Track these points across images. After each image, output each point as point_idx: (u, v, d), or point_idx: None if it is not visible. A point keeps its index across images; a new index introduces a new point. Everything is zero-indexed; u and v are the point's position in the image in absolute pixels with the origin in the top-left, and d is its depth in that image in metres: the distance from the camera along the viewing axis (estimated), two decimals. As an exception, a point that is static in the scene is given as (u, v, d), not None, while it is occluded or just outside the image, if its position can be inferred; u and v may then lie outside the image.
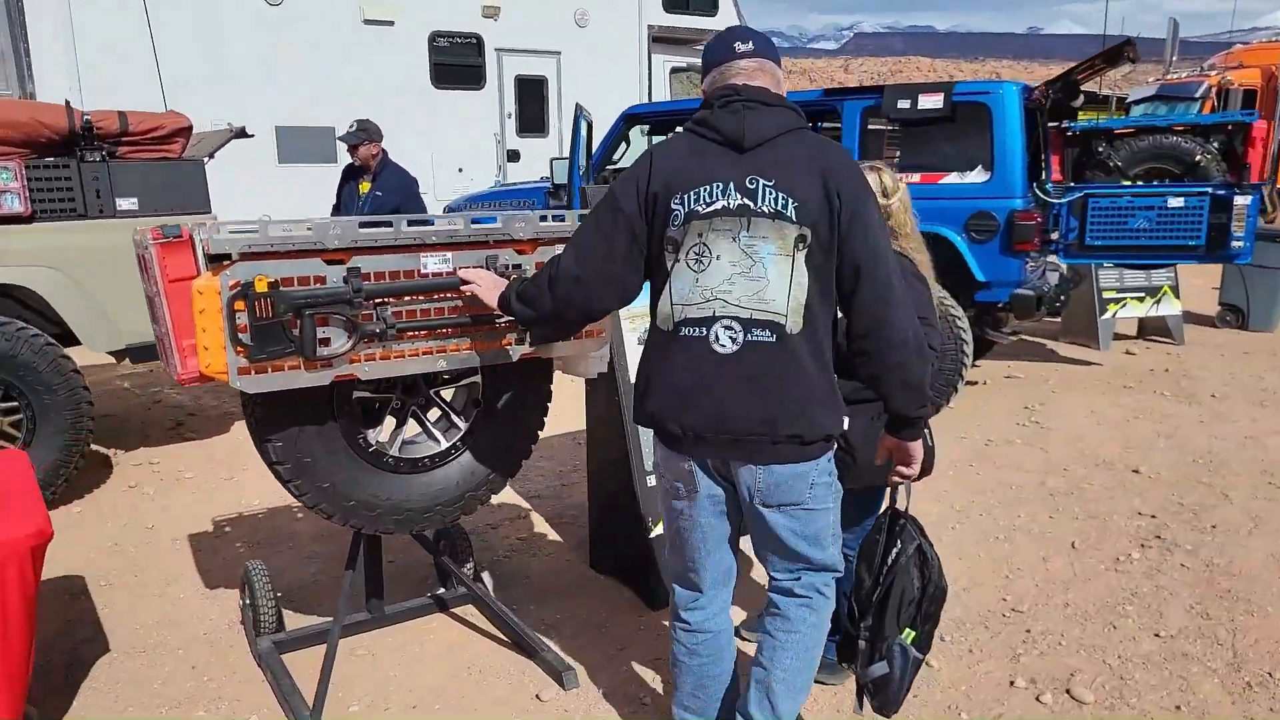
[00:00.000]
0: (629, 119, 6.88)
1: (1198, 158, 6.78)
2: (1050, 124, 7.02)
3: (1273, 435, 5.87)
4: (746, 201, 2.20)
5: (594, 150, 6.97)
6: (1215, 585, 3.89)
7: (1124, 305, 8.55)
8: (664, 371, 2.33)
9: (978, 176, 5.82)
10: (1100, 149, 7.01)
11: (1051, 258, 7.10)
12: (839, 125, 6.15)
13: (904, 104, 5.85)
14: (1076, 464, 5.40)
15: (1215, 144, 6.80)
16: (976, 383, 7.27)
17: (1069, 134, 7.09)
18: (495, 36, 10.48)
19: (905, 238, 2.93)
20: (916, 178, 6.01)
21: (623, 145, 6.97)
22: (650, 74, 11.66)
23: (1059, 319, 7.21)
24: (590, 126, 6.67)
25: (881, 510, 2.75)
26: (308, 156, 9.44)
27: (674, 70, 12.04)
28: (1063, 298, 6.86)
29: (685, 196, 2.24)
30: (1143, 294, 8.60)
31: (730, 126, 2.24)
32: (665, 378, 2.33)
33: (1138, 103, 18.00)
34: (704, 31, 12.27)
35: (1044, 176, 7.01)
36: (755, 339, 2.23)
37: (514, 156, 10.40)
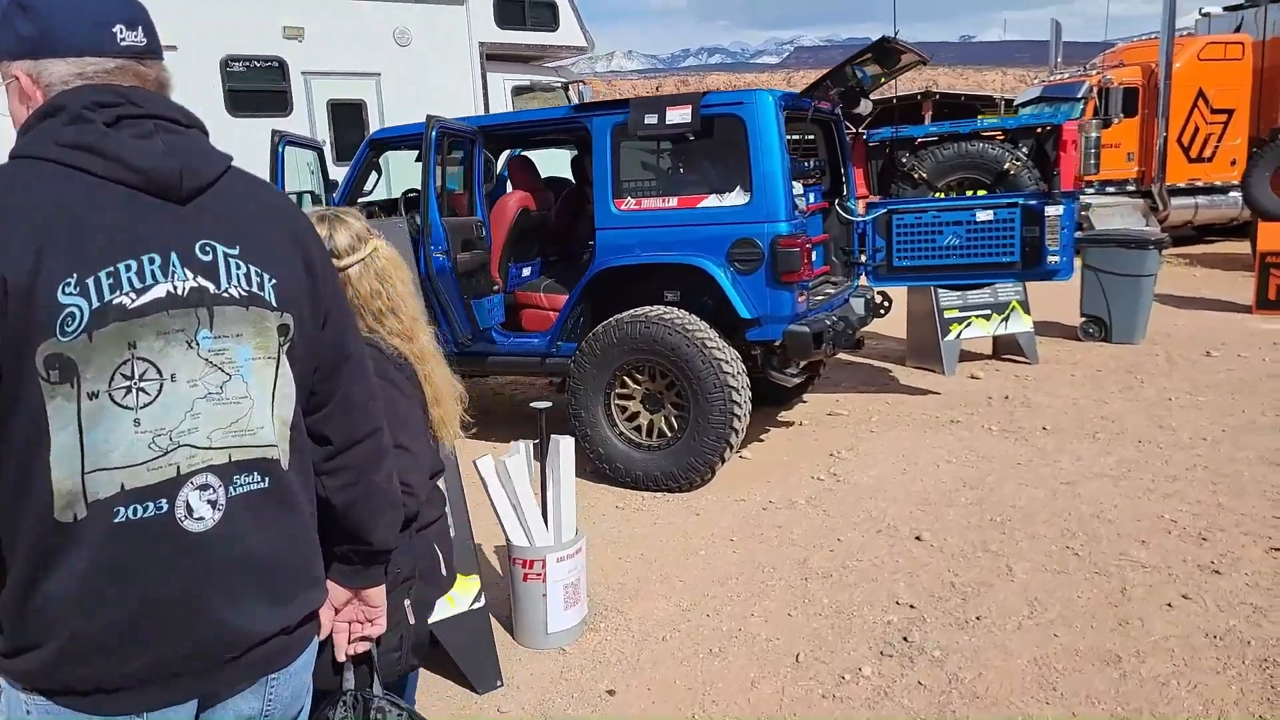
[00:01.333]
0: (375, 144, 6.05)
1: (1006, 165, 6.12)
2: (852, 133, 6.33)
3: (1092, 479, 5.17)
4: (205, 283, 1.38)
5: (339, 182, 6.13)
6: (948, 717, 3.13)
7: (968, 325, 7.88)
8: (85, 599, 1.32)
9: (737, 199, 5.08)
10: (904, 160, 6.33)
11: (861, 281, 6.40)
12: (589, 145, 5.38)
13: (651, 119, 5.09)
14: (855, 531, 4.64)
15: (1024, 149, 6.15)
16: (791, 424, 6.53)
17: (870, 145, 6.40)
18: (301, 59, 9.62)
19: (381, 317, 2.08)
20: (674, 202, 5.26)
21: (373, 175, 6.13)
22: (486, 93, 10.86)
23: (856, 351, 6.46)
24: (322, 154, 5.83)
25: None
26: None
27: (517, 89, 11.26)
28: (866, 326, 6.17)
29: (89, 282, 1.29)
30: (988, 311, 7.94)
31: (152, 160, 1.36)
32: (89, 608, 1.33)
33: (1024, 105, 17.66)
34: (544, 48, 11.52)
35: (845, 192, 6.31)
36: (243, 490, 1.41)
37: (334, 187, 9.43)
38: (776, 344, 5.17)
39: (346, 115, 9.84)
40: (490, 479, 3.53)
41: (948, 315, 7.78)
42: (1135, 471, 5.27)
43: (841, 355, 8.48)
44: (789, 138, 6.54)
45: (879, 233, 6.20)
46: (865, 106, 5.91)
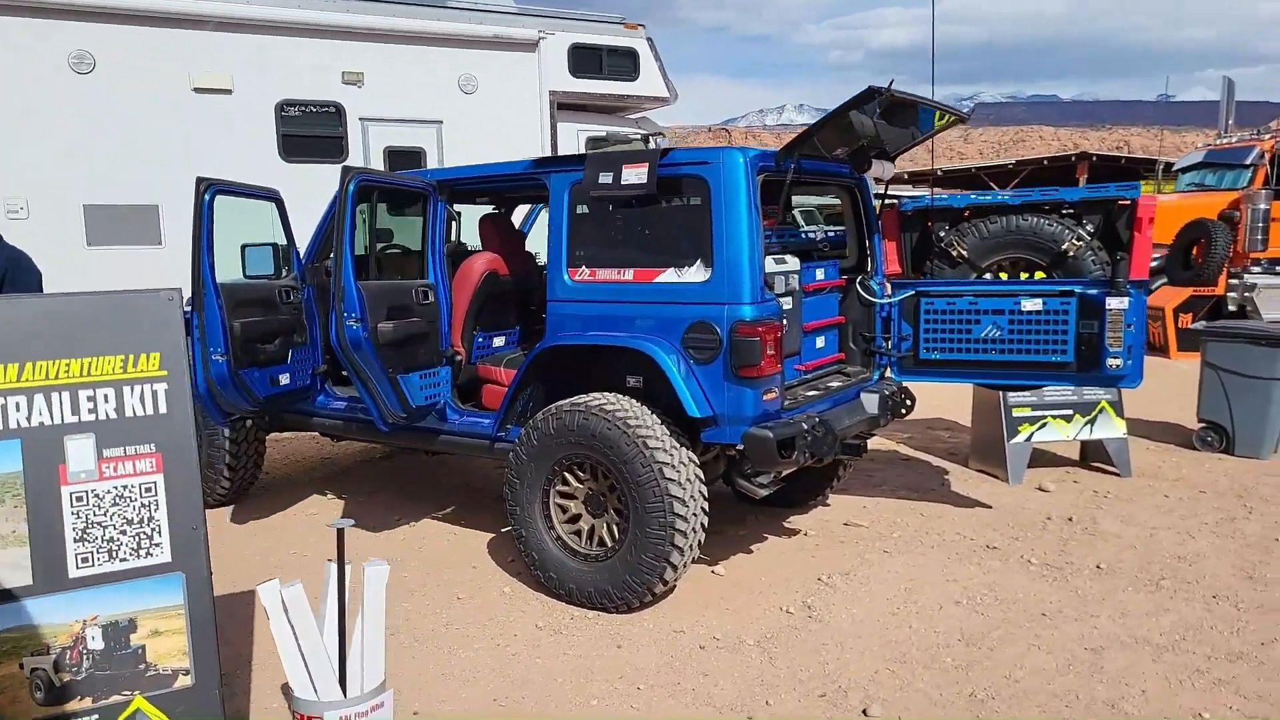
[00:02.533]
0: (364, 189, 5.49)
1: (1064, 245, 5.06)
2: (883, 200, 5.44)
3: (1128, 647, 4.05)
4: None
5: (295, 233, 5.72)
6: None
7: (1042, 426, 6.72)
8: None
9: (696, 275, 4.31)
10: (942, 234, 5.36)
11: (887, 373, 5.45)
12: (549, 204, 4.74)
13: (606, 179, 4.41)
14: (793, 693, 3.73)
15: (1089, 227, 5.07)
16: (796, 532, 5.61)
17: (905, 214, 5.48)
18: (359, 105, 9.50)
19: None
20: (630, 275, 4.54)
21: (362, 223, 5.67)
22: (555, 143, 10.47)
23: (857, 457, 5.41)
24: (281, 204, 5.44)
25: None
26: (123, 238, 8.57)
27: (591, 140, 10.81)
28: (876, 429, 5.23)
29: None
30: (1070, 411, 6.76)
31: None
32: None
33: (1185, 170, 15.88)
34: (623, 97, 11.05)
35: (869, 269, 5.40)
36: None
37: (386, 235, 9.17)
38: (737, 449, 4.34)
39: (404, 163, 9.63)
40: (273, 609, 2.90)
41: (1017, 414, 6.66)
42: (1190, 641, 4.11)
43: (899, 448, 7.49)
44: (802, 203, 5.74)
45: (905, 318, 5.26)
46: (882, 170, 5.02)
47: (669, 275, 4.40)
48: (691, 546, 4.32)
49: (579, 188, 4.59)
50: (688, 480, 4.27)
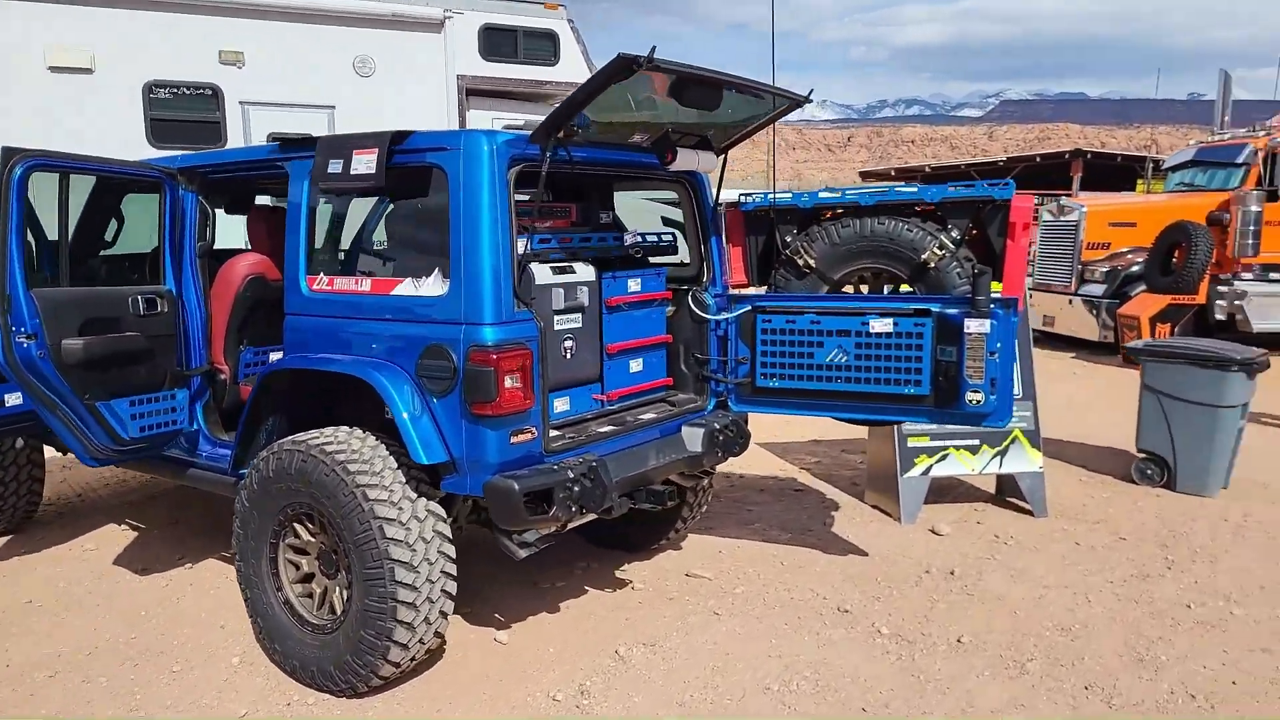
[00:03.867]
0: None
1: (924, 255, 4.21)
2: (723, 202, 4.60)
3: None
4: None
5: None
6: None
7: (943, 458, 5.87)
8: None
9: (434, 287, 3.52)
10: (789, 239, 4.52)
11: (719, 406, 4.62)
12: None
13: (335, 167, 3.63)
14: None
15: (954, 233, 4.22)
16: (622, 585, 4.80)
17: (749, 215, 4.64)
18: (239, 87, 8.75)
19: None
20: (367, 286, 3.74)
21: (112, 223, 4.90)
22: (465, 132, 9.68)
23: (659, 508, 4.40)
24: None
25: None
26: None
27: (507, 128, 10.02)
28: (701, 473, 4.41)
29: None
30: (975, 442, 5.91)
31: None
32: None
33: (1174, 169, 14.88)
34: (542, 83, 10.23)
35: (706, 278, 4.57)
36: None
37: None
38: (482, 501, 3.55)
39: (292, 151, 8.84)
40: None
41: (912, 444, 5.82)
42: (1030, 760, 3.28)
43: (798, 476, 6.67)
44: (657, 197, 4.94)
45: (743, 338, 4.44)
46: (694, 161, 4.16)
47: (406, 287, 3.60)
48: (426, 621, 3.52)
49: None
50: (419, 541, 3.47)
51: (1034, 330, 13.45)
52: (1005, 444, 5.95)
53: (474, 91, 9.78)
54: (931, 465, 5.84)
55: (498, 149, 3.45)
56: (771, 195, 4.45)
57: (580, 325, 3.95)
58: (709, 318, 4.46)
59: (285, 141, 3.98)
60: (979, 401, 3.98)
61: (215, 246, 4.63)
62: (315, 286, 3.85)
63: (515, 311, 3.48)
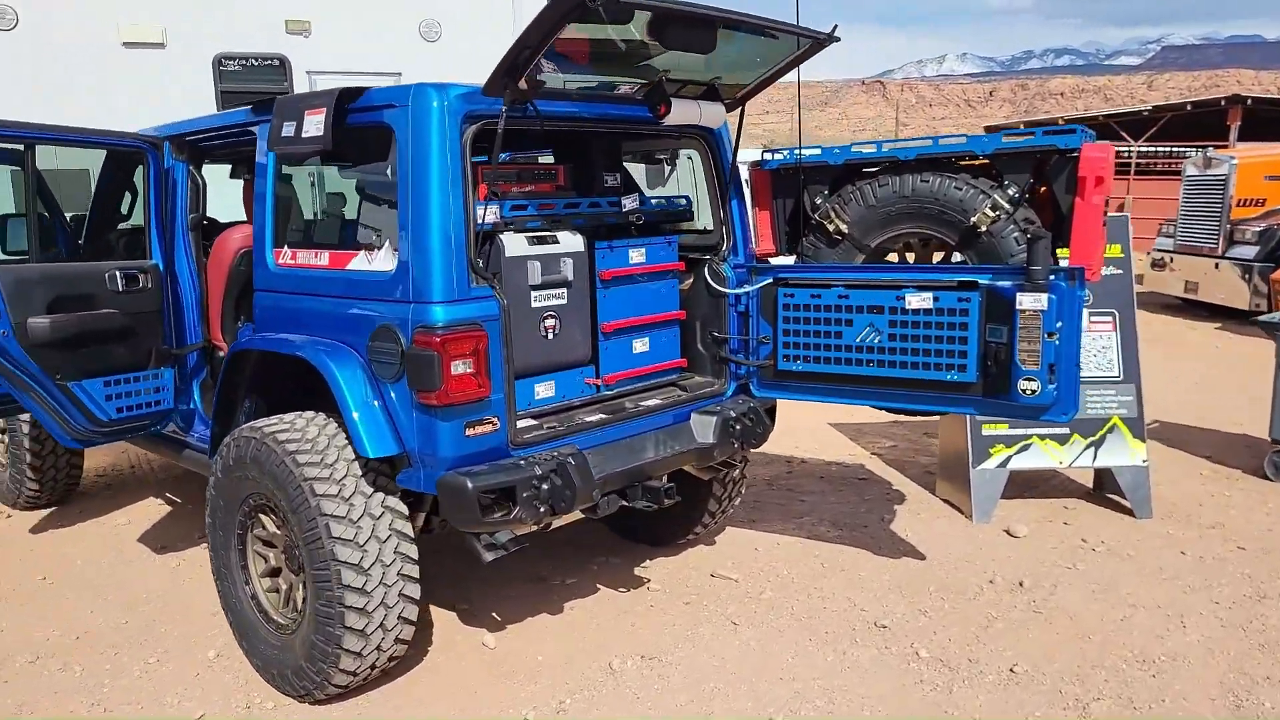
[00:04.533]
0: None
1: (974, 218, 3.55)
2: (744, 160, 4.06)
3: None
4: None
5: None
6: None
7: (1024, 449, 5.18)
8: None
9: (384, 261, 3.14)
10: (818, 202, 3.94)
11: (739, 392, 4.10)
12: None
13: (289, 130, 3.29)
14: None
15: (1012, 190, 3.54)
16: (643, 584, 4.38)
17: (776, 174, 4.07)
18: (306, 57, 8.63)
19: None
20: (325, 260, 3.41)
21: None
22: (537, 97, 9.32)
23: (656, 506, 3.76)
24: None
25: None
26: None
27: (582, 91, 9.60)
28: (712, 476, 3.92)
29: None
30: (1064, 430, 5.18)
31: None
32: None
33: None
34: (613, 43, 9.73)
35: (726, 247, 4.05)
36: None
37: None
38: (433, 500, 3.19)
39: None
40: None
41: (987, 430, 5.15)
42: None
43: (868, 462, 6.08)
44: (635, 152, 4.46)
45: (765, 315, 3.91)
46: (695, 114, 3.60)
47: (359, 261, 3.26)
48: (382, 628, 3.20)
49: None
50: (371, 541, 3.15)
51: (1176, 298, 12.20)
52: (1101, 433, 5.19)
53: (549, 55, 9.36)
54: (1010, 456, 5.15)
55: (450, 104, 3.03)
56: (798, 151, 3.88)
57: (565, 301, 3.52)
58: (727, 292, 3.95)
59: (255, 104, 3.69)
60: (1034, 391, 3.34)
61: (213, 218, 4.42)
62: (280, 260, 3.56)
63: (472, 288, 3.08)
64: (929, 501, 5.44)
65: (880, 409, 3.84)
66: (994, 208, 3.52)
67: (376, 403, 3.15)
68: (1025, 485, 5.57)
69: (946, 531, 4.97)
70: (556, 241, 3.48)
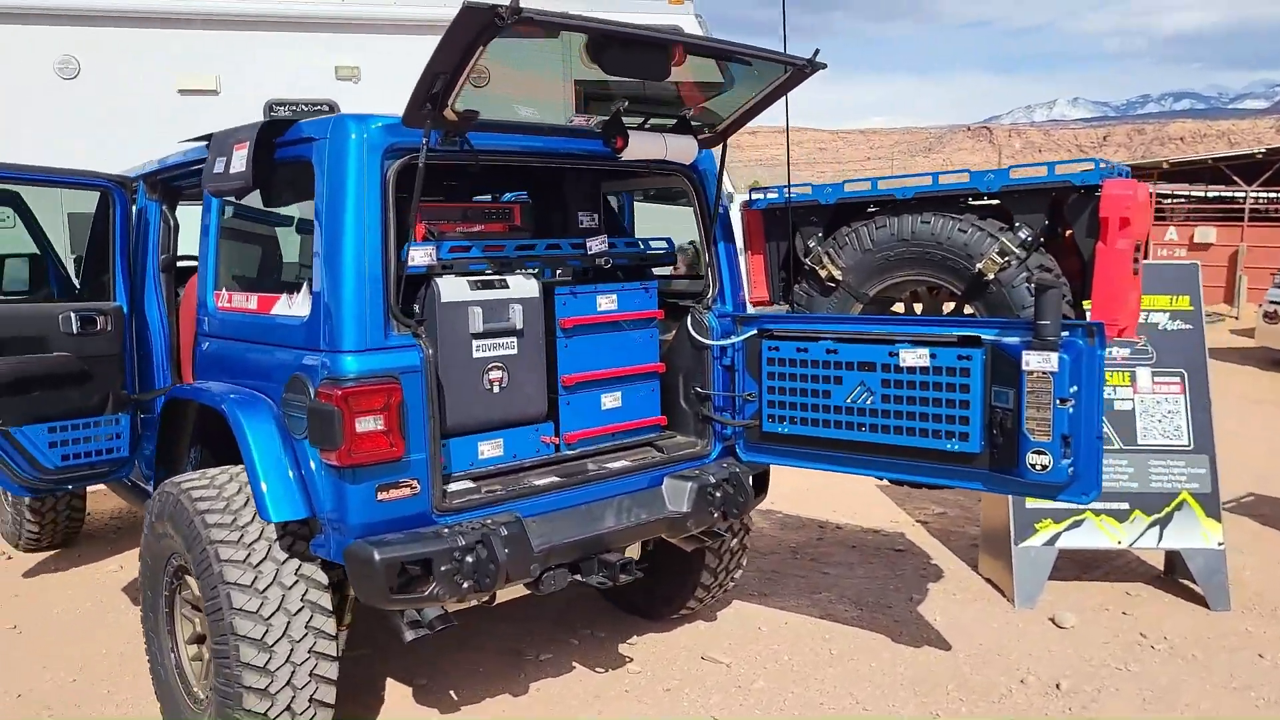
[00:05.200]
0: None
1: (980, 264, 3.09)
2: (710, 202, 3.67)
3: None
4: None
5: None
6: None
7: (1076, 525, 4.57)
8: None
9: (301, 306, 2.87)
10: (812, 244, 3.52)
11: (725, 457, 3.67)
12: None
13: (219, 167, 3.08)
14: None
15: (1024, 233, 3.06)
16: (624, 663, 3.96)
17: (771, 214, 3.67)
18: (355, 101, 8.67)
19: None
20: (254, 304, 3.17)
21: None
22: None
23: (613, 583, 3.27)
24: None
25: None
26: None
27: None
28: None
29: None
30: (1124, 505, 4.56)
31: None
32: None
33: None
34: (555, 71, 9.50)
35: (710, 294, 3.66)
36: None
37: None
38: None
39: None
40: None
41: (1031, 504, 4.56)
42: None
43: (909, 530, 5.53)
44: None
45: (750, 370, 3.50)
46: (665, 148, 3.22)
47: (281, 305, 3.01)
48: (290, 712, 2.88)
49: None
50: (279, 614, 2.85)
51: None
52: (1167, 510, 4.55)
53: (595, 98, 9.20)
54: (1059, 533, 4.56)
55: (369, 137, 2.78)
56: (787, 190, 3.48)
57: (516, 352, 3.19)
58: (710, 343, 3.55)
59: (206, 139, 3.52)
60: (1044, 468, 2.83)
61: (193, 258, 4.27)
62: (219, 303, 3.35)
63: (389, 337, 2.78)
64: (968, 581, 4.86)
65: (899, 482, 3.35)
66: (1002, 252, 3.06)
67: (288, 460, 2.86)
68: (1086, 565, 4.94)
69: (981, 617, 4.40)
70: (505, 286, 3.16)
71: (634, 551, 3.57)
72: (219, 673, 2.86)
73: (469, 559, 2.80)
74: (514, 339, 3.18)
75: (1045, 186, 3.02)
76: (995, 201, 3.19)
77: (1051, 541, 4.54)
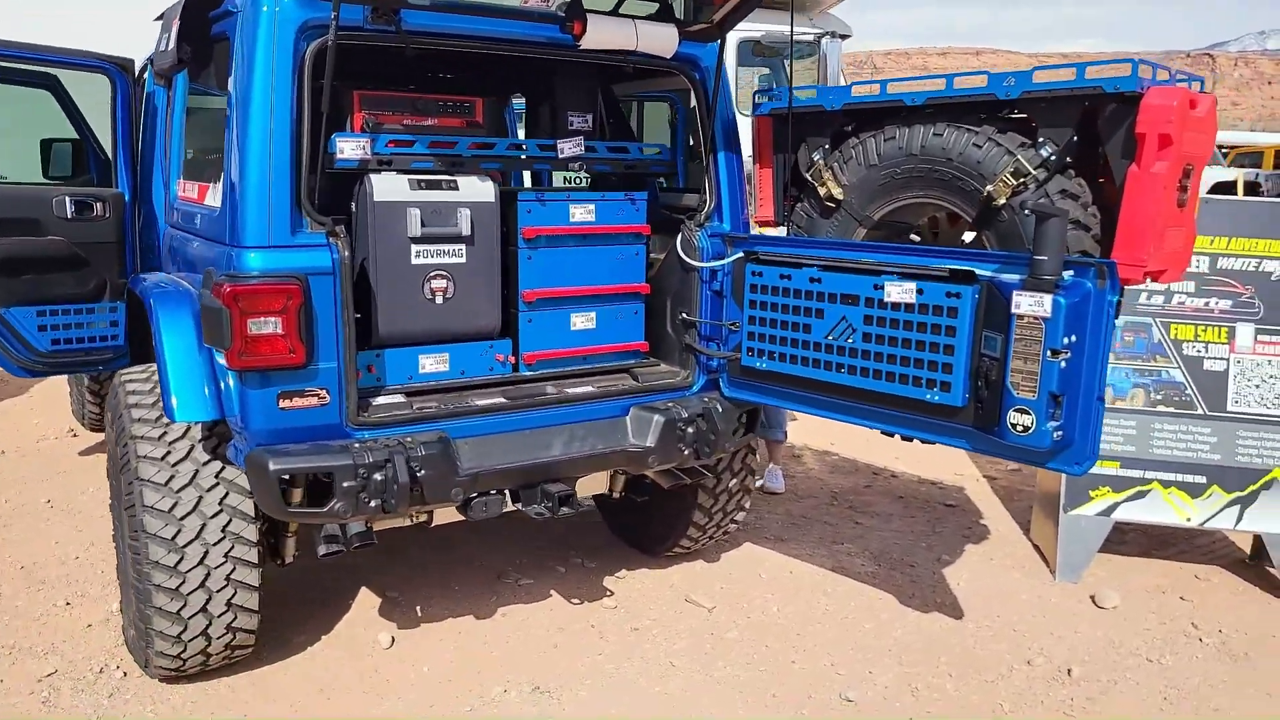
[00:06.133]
0: None
1: (989, 188, 2.59)
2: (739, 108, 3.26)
3: None
4: None
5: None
6: None
7: (1139, 495, 4.02)
8: None
9: (216, 196, 2.70)
10: (815, 158, 3.07)
11: (709, 390, 3.33)
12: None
13: (162, 43, 2.90)
14: None
15: (1047, 149, 2.53)
16: (603, 596, 3.76)
17: (780, 121, 3.22)
18: None
19: None
20: (195, 193, 3.03)
21: None
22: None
23: (554, 514, 2.98)
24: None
25: None
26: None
27: (743, 44, 8.71)
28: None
29: None
30: (1201, 478, 3.97)
31: None
32: None
33: None
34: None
35: (705, 211, 3.28)
36: None
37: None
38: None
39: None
40: None
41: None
42: None
43: (970, 486, 5.08)
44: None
45: (735, 297, 3.14)
46: (635, 38, 2.78)
47: (211, 195, 2.85)
48: (205, 614, 2.83)
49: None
50: (193, 516, 2.78)
51: None
52: (1253, 488, 3.94)
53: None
54: (1117, 503, 4.02)
55: (281, 9, 2.53)
56: (788, 95, 3.04)
57: (464, 260, 2.95)
58: (696, 265, 3.20)
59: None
60: (1025, 429, 2.40)
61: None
62: (180, 193, 3.25)
63: (298, 234, 2.59)
64: (1014, 546, 4.39)
65: (878, 427, 2.96)
66: (1017, 172, 2.56)
67: (204, 360, 2.74)
68: (1160, 540, 4.38)
69: (1012, 588, 3.95)
70: (454, 187, 2.91)
71: (603, 484, 3.34)
72: (134, 568, 2.83)
73: (377, 476, 2.62)
74: (461, 246, 2.93)
75: (1075, 93, 2.48)
76: (1024, 116, 2.66)
77: (1107, 512, 4.01)
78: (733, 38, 8.60)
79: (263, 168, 2.53)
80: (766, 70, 8.75)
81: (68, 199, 3.78)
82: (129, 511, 2.81)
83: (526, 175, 4.48)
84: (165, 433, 2.83)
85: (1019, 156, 2.56)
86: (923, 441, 2.80)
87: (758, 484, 4.68)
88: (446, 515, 3.07)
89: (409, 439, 2.73)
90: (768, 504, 4.82)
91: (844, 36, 9.04)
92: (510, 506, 3.03)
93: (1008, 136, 2.63)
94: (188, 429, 2.85)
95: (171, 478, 2.78)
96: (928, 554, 4.29)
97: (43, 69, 4.14)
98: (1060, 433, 2.38)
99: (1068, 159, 2.55)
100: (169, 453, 2.80)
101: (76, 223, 3.80)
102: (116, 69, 3.91)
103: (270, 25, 2.52)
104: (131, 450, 2.80)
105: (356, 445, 2.67)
